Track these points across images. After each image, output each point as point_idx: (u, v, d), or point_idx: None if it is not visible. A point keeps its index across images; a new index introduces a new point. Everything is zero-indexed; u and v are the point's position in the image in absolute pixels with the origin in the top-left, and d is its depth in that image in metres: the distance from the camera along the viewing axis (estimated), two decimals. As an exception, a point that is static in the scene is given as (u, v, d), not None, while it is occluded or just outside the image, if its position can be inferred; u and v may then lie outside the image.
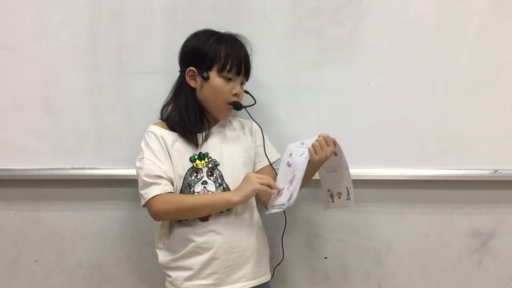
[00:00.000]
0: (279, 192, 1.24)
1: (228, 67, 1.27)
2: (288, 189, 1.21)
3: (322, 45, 1.46)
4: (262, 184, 1.22)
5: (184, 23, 1.45)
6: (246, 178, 1.25)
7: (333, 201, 1.34)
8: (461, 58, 1.42)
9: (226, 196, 1.25)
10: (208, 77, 1.27)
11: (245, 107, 1.33)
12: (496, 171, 1.44)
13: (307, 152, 1.22)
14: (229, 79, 1.29)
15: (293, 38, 1.47)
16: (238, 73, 1.29)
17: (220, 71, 1.27)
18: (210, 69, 1.28)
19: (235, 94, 1.30)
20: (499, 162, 1.44)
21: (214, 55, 1.27)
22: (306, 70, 1.47)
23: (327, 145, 1.23)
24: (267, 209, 1.26)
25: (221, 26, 1.35)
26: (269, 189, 1.23)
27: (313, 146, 1.22)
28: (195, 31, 1.33)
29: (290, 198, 1.18)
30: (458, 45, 1.42)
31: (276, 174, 1.34)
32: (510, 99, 1.43)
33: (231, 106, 1.31)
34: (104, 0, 1.48)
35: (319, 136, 1.23)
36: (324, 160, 1.23)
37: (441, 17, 1.42)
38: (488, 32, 1.41)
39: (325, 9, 1.45)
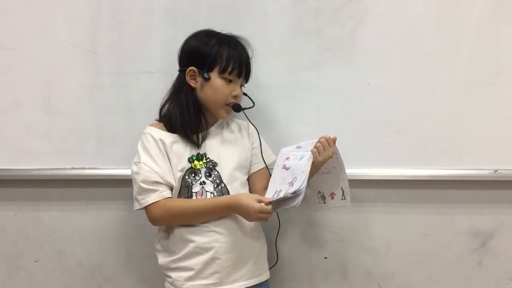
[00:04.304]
0: (276, 194, 1.24)
1: (229, 69, 1.27)
2: (288, 190, 1.20)
3: (322, 45, 1.46)
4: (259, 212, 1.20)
5: (184, 23, 1.45)
6: (244, 210, 1.21)
7: (324, 202, 1.35)
8: (461, 58, 1.42)
9: (226, 205, 1.24)
10: (209, 78, 1.27)
11: (244, 109, 1.33)
12: (496, 171, 1.43)
13: (309, 154, 1.24)
14: (230, 81, 1.29)
15: (293, 38, 1.47)
16: (239, 75, 1.30)
17: (221, 73, 1.27)
18: (211, 70, 1.27)
19: (235, 96, 1.31)
20: (499, 162, 1.44)
21: (216, 56, 1.27)
22: (306, 70, 1.47)
23: (329, 146, 1.24)
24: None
25: (221, 26, 1.35)
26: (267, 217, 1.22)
27: (316, 148, 1.24)
28: (195, 31, 1.33)
29: (297, 200, 1.17)
30: (458, 45, 1.42)
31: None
32: (510, 99, 1.43)
33: (231, 107, 1.31)
34: (104, 0, 1.49)
35: (320, 138, 1.25)
36: (326, 160, 1.25)
37: (441, 17, 1.42)
38: (488, 32, 1.41)
39: (325, 9, 1.45)
